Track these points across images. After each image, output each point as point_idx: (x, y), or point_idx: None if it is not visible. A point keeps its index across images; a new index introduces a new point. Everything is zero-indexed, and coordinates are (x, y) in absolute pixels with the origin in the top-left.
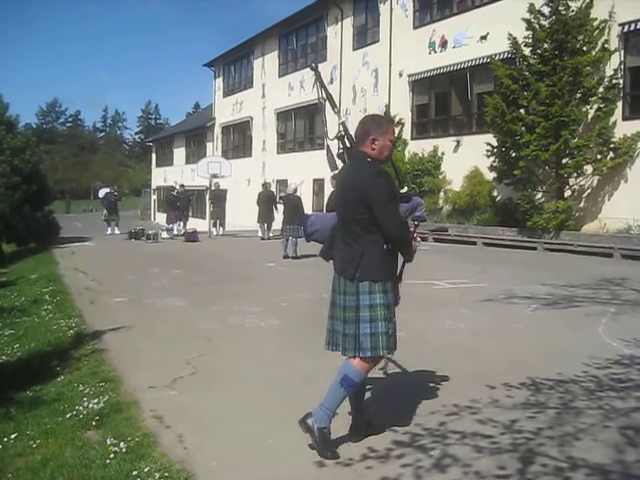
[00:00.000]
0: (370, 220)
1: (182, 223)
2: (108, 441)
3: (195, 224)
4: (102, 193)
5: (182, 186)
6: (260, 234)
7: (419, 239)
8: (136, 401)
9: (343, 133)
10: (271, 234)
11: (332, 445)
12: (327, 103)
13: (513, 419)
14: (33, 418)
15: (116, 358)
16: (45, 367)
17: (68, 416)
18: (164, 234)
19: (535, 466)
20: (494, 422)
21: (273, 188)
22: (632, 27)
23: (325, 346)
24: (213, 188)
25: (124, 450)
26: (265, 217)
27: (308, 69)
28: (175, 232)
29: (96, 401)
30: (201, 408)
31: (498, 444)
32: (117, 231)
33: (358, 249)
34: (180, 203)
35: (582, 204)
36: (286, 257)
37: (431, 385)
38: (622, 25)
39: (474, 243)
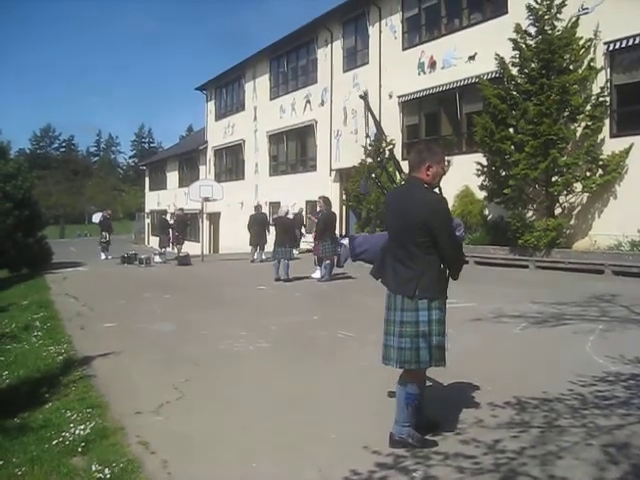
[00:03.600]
0: (429, 242)
1: (179, 246)
2: (93, 467)
3: (189, 247)
4: (98, 218)
5: (181, 209)
6: (255, 256)
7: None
8: (122, 427)
9: (390, 157)
10: (263, 256)
11: (426, 440)
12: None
13: (496, 439)
14: (19, 445)
15: (104, 384)
16: (33, 394)
17: (54, 443)
18: (157, 258)
19: None
20: (477, 442)
21: (266, 210)
22: (617, 45)
23: (382, 360)
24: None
25: (108, 476)
26: (257, 239)
27: (301, 93)
28: (168, 254)
29: (83, 427)
30: (186, 433)
31: (480, 464)
32: (109, 256)
33: (417, 269)
34: (178, 226)
35: (572, 221)
36: (277, 280)
37: None
38: (607, 43)
39: (466, 262)
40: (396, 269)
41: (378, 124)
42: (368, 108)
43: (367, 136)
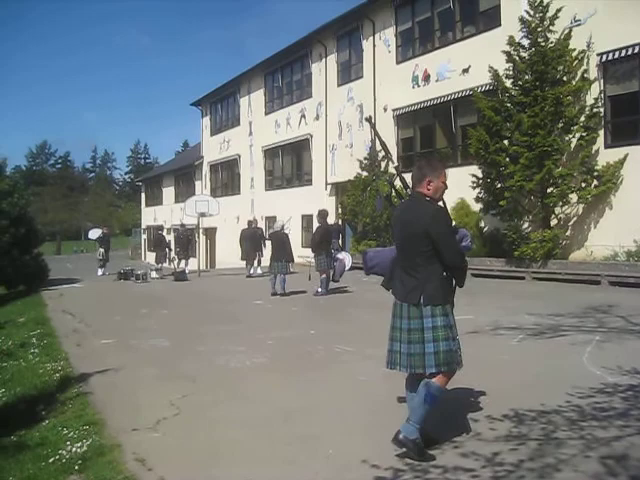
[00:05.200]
0: (432, 252)
1: (185, 261)
2: None
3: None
4: (95, 234)
5: (183, 225)
6: (251, 271)
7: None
8: (119, 444)
9: (397, 174)
10: (260, 271)
11: (426, 452)
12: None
13: (495, 452)
14: (16, 464)
15: (101, 401)
16: (30, 411)
17: (51, 460)
18: (153, 274)
19: None
20: (476, 455)
21: (262, 224)
22: (610, 57)
23: (386, 365)
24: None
25: None
26: (249, 254)
27: (295, 108)
28: (185, 269)
29: (79, 445)
30: (183, 449)
31: (479, 477)
32: (106, 272)
33: (421, 278)
34: (180, 242)
35: (568, 232)
36: (274, 294)
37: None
38: (600, 55)
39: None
40: (402, 279)
41: (385, 146)
42: (375, 131)
43: (365, 158)
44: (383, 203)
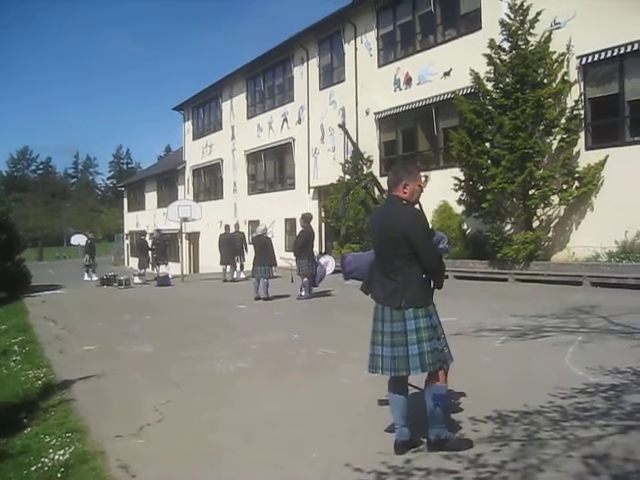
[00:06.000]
0: (410, 255)
1: (161, 266)
2: None
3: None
4: (78, 240)
5: (158, 231)
6: (234, 276)
7: None
8: (102, 451)
9: (371, 179)
10: (243, 275)
11: (462, 441)
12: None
13: (478, 453)
14: None
15: (84, 407)
16: (12, 419)
17: (33, 469)
18: (136, 279)
19: None
20: (459, 457)
21: (245, 229)
22: (590, 59)
23: (368, 369)
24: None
25: None
26: (227, 259)
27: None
28: (168, 274)
29: (62, 452)
30: (167, 455)
31: (462, 479)
32: (95, 277)
33: (400, 281)
34: (157, 247)
35: (550, 234)
36: (257, 299)
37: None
38: (580, 57)
39: (445, 277)
40: (382, 283)
41: (358, 150)
42: (348, 137)
43: (346, 162)
44: (344, 206)
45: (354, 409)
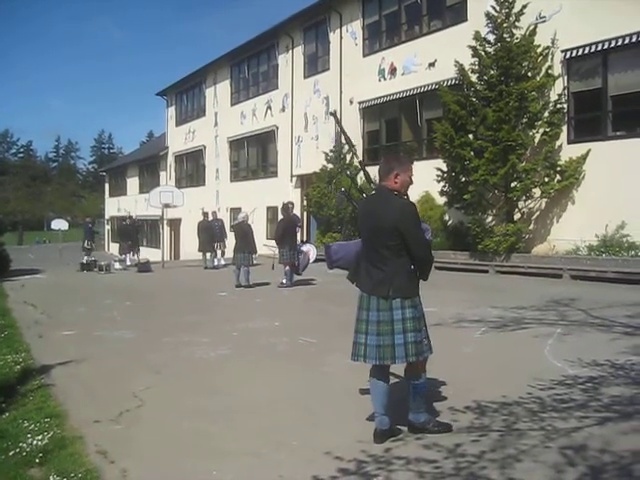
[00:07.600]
0: (400, 245)
1: (134, 253)
2: (51, 478)
3: (149, 254)
4: (58, 224)
5: (130, 217)
6: (215, 263)
7: None
8: (81, 436)
9: (362, 169)
10: (223, 262)
11: (443, 423)
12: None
13: (457, 443)
14: None
15: (63, 393)
16: None
17: (11, 454)
18: (117, 265)
19: None
20: (438, 447)
21: (227, 216)
22: (574, 53)
23: (351, 357)
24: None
25: None
26: (205, 246)
27: (261, 99)
28: (128, 262)
29: (40, 437)
30: (146, 441)
31: (441, 469)
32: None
33: (389, 271)
34: (129, 234)
35: (531, 226)
36: (238, 286)
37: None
38: (564, 51)
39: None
40: (370, 272)
41: (349, 141)
42: (339, 125)
43: (330, 151)
44: (343, 199)
45: (335, 397)
